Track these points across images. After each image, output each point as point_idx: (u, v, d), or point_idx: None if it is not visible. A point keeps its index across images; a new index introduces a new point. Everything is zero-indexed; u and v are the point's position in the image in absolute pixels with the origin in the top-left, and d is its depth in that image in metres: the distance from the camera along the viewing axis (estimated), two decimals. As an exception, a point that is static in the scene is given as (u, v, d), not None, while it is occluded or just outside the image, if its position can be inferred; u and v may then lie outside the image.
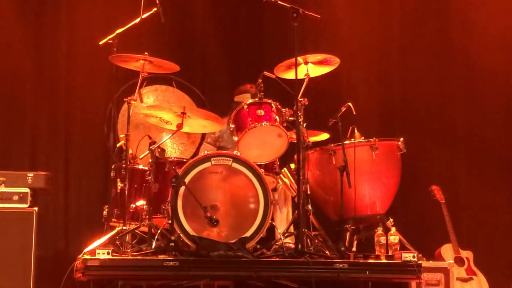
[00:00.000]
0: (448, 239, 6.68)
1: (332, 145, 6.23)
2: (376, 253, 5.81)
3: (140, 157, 6.03)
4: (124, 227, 5.74)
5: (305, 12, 5.83)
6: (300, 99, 5.94)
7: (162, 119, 5.89)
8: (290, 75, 6.12)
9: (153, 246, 5.53)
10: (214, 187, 5.62)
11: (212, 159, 5.62)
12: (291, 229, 6.01)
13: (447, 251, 6.64)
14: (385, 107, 7.55)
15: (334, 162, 6.15)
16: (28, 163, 6.92)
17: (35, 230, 5.94)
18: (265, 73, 6.09)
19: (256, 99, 6.00)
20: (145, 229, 5.77)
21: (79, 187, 7.05)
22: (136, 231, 5.90)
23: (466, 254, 6.68)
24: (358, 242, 6.28)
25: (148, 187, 5.79)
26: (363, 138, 6.32)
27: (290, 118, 5.96)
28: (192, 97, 6.66)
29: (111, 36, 6.02)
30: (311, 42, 7.15)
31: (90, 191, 7.04)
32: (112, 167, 6.00)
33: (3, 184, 6.02)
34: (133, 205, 5.88)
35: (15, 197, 5.99)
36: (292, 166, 6.19)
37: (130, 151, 5.94)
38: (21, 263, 5.87)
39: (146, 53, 6.01)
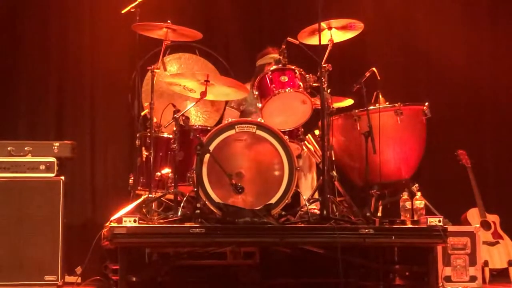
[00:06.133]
0: (474, 203, 6.65)
1: (356, 110, 6.20)
2: (402, 218, 5.80)
3: (165, 125, 6.06)
4: (150, 195, 5.78)
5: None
6: (324, 65, 5.92)
7: (185, 87, 5.88)
8: (314, 40, 6.08)
9: (179, 213, 5.56)
10: (238, 154, 5.61)
11: (236, 126, 5.61)
12: (316, 195, 6.03)
13: (473, 215, 6.61)
14: (410, 72, 7.48)
15: (358, 128, 6.13)
16: (54, 132, 6.96)
17: (62, 199, 6.01)
18: (289, 39, 6.04)
19: (280, 65, 5.97)
20: (171, 196, 5.81)
21: (105, 156, 7.07)
22: (162, 199, 5.95)
23: (493, 218, 6.65)
24: (383, 207, 6.27)
25: (173, 155, 5.81)
26: (387, 103, 6.27)
27: (314, 84, 5.92)
28: (215, 65, 6.65)
29: (133, 5, 6.02)
30: (335, 7, 7.09)
31: (116, 159, 7.06)
32: (137, 135, 6.02)
33: (29, 154, 6.08)
34: (158, 173, 5.90)
35: (42, 167, 6.05)
36: (317, 132, 6.17)
37: (155, 120, 5.96)
38: (50, 231, 5.95)
39: (169, 21, 6.00)
